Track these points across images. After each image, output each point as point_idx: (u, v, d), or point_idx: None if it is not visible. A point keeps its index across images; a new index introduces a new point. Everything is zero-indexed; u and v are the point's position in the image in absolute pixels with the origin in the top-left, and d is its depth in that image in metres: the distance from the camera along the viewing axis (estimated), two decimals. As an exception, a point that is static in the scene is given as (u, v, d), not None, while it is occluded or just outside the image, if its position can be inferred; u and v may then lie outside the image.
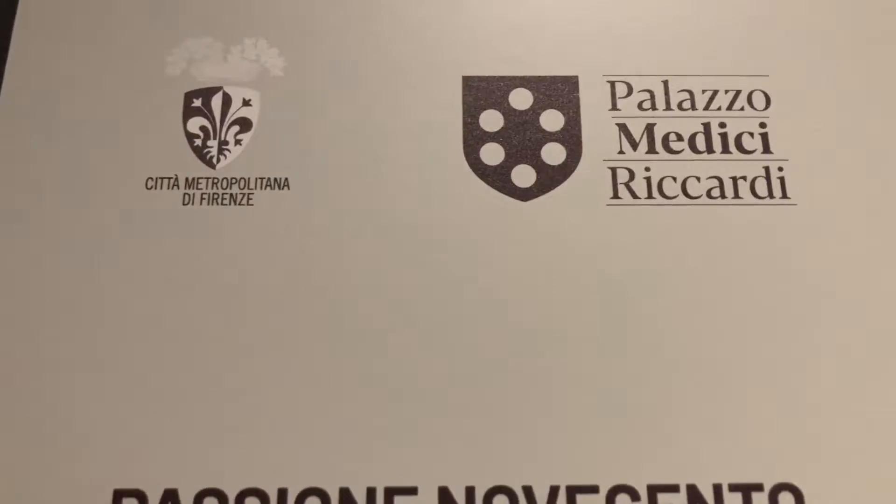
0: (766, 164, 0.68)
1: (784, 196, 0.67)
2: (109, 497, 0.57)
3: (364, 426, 0.59)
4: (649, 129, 0.69)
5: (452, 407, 0.60)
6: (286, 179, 0.66)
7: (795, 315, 0.63)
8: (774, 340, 0.62)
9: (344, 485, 0.58)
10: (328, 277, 0.63)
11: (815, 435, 0.60)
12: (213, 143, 0.68)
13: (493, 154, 0.68)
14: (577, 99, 0.70)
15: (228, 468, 0.58)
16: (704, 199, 0.67)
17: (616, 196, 0.67)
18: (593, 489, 0.58)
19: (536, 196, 0.66)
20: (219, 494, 0.57)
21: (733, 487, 0.58)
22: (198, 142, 0.68)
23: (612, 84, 0.70)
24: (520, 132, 0.69)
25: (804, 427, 0.60)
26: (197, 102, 0.69)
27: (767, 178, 0.67)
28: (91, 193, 0.66)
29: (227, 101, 0.69)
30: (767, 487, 0.58)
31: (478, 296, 0.63)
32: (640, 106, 0.70)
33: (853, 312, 0.63)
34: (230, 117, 0.68)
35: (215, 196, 0.66)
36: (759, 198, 0.67)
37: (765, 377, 0.61)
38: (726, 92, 0.70)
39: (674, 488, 0.58)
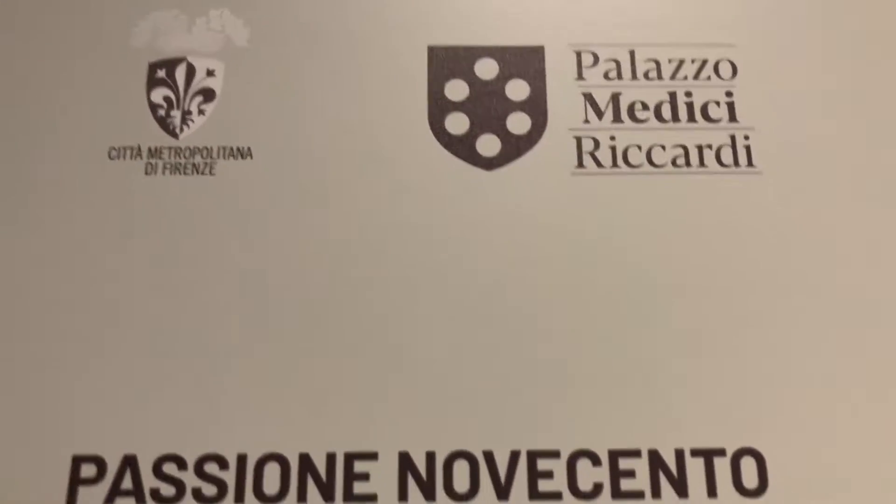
0: (732, 132, 0.68)
1: (750, 164, 0.67)
2: (68, 463, 0.57)
3: (324, 392, 0.59)
4: (615, 98, 0.69)
5: (413, 373, 0.60)
6: (249, 149, 0.66)
7: (759, 282, 0.63)
8: (737, 307, 0.62)
9: (304, 450, 0.57)
10: (290, 246, 0.63)
11: (778, 401, 0.60)
12: (176, 113, 0.67)
13: (458, 123, 0.68)
14: (543, 69, 0.70)
15: (188, 434, 0.58)
16: (669, 168, 0.66)
17: (581, 165, 0.66)
18: (554, 454, 0.58)
19: (501, 165, 0.66)
20: (178, 460, 0.57)
21: (695, 452, 0.58)
22: (161, 112, 0.67)
23: (579, 54, 0.70)
24: (485, 102, 0.68)
25: (766, 393, 0.60)
26: (161, 73, 0.69)
27: (733, 146, 0.67)
28: (53, 162, 0.65)
29: (190, 71, 0.69)
30: (729, 452, 0.58)
31: (441, 264, 0.63)
32: (606, 75, 0.70)
33: (816, 280, 0.63)
34: (194, 87, 0.68)
35: (178, 166, 0.66)
36: (725, 166, 0.67)
37: (727, 343, 0.61)
38: (693, 61, 0.70)
39: (635, 453, 0.58)
